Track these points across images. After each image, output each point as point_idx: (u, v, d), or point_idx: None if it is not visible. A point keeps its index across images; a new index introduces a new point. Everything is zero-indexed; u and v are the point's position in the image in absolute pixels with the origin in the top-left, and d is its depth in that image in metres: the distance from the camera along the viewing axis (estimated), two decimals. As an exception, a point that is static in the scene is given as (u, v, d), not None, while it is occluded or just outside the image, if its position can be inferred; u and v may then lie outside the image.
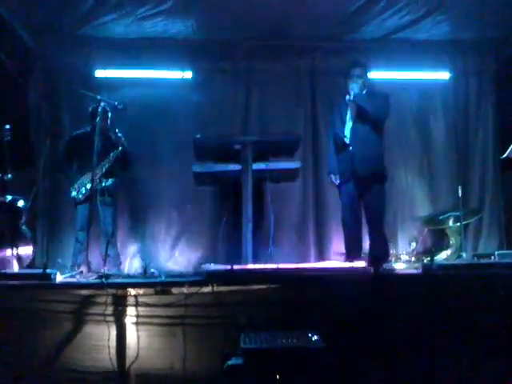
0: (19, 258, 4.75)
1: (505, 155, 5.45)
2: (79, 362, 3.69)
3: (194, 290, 3.78)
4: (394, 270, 4.81)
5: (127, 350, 3.71)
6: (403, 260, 5.89)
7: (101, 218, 5.59)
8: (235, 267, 4.05)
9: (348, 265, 4.59)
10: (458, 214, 6.11)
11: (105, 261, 5.17)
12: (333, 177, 5.30)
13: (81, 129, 5.84)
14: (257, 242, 5.01)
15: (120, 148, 5.58)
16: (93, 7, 5.71)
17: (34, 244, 5.21)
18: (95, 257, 5.63)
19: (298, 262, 5.53)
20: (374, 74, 6.64)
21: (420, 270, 4.42)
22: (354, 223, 5.09)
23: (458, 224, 6.10)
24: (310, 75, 6.93)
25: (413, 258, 5.92)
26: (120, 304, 3.76)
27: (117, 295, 3.77)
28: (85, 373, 3.66)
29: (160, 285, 3.85)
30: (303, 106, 6.90)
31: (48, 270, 3.98)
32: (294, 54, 6.89)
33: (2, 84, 5.69)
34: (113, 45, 6.57)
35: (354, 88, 5.05)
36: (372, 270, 4.70)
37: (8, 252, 4.75)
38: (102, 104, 5.06)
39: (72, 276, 4.63)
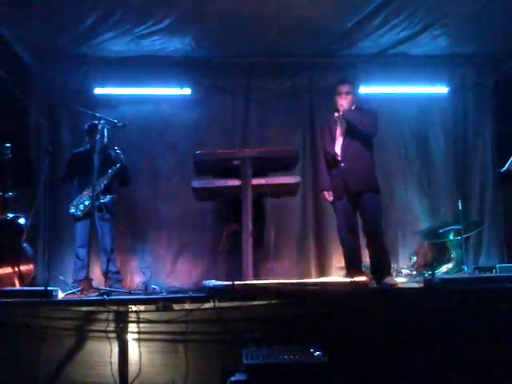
0: (20, 276, 4.74)
1: (504, 168, 5.46)
2: (82, 378, 3.70)
3: (195, 306, 3.78)
4: (395, 284, 4.80)
5: (129, 367, 3.72)
6: (404, 274, 5.89)
7: (99, 235, 5.62)
8: (236, 283, 4.05)
9: (349, 279, 4.59)
10: (458, 227, 6.10)
11: (106, 278, 5.18)
12: (326, 194, 5.29)
13: (81, 147, 5.95)
14: (257, 257, 5.01)
15: (118, 165, 5.62)
16: (92, 26, 5.74)
17: (35, 261, 5.22)
18: (96, 273, 5.66)
19: (298, 277, 5.53)
20: (372, 89, 6.73)
21: (421, 284, 4.43)
22: (351, 238, 5.07)
23: (459, 237, 6.09)
24: (308, 91, 6.95)
25: (414, 272, 5.91)
26: (122, 320, 3.76)
27: (118, 312, 3.77)
28: (87, 389, 3.65)
29: (161, 301, 3.85)
30: (301, 121, 6.92)
31: (49, 287, 3.98)
32: (292, 70, 6.94)
33: (2, 102, 5.72)
34: (111, 63, 6.61)
35: (344, 104, 5.08)
36: (373, 284, 4.72)
37: (9, 269, 4.74)
38: (102, 122, 5.10)
39: (73, 293, 4.64)
